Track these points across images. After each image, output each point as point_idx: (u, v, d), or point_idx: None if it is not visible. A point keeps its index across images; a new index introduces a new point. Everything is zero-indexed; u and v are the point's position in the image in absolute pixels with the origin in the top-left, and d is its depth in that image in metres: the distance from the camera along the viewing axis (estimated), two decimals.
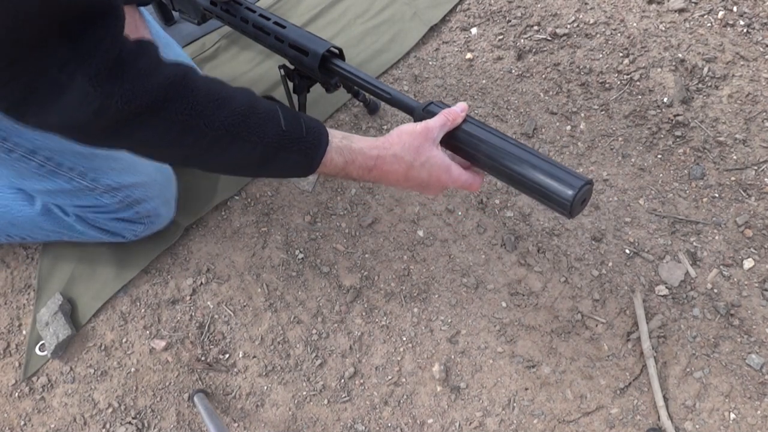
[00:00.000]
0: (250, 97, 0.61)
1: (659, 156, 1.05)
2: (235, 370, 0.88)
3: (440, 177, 0.67)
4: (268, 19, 0.85)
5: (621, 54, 1.18)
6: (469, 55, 1.21)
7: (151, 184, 0.87)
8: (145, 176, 0.86)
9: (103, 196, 0.83)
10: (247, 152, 0.60)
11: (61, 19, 0.45)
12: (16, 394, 0.87)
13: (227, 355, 0.89)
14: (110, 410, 0.85)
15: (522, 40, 1.22)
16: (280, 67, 0.91)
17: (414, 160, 0.65)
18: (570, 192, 0.59)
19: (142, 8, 0.97)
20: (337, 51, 0.81)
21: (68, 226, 0.89)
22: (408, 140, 0.66)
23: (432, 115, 0.69)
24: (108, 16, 0.48)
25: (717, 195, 1.00)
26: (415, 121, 0.71)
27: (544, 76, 1.17)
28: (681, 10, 1.22)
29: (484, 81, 1.18)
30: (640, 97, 1.12)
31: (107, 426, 0.84)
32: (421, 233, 0.99)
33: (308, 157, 0.63)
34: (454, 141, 0.68)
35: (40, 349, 0.89)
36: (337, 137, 0.66)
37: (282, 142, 0.61)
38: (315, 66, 0.81)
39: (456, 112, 0.67)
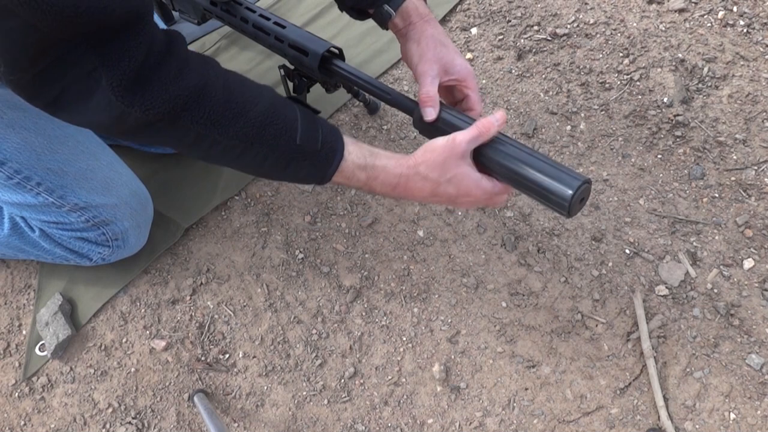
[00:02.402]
0: (270, 106, 0.60)
1: (659, 156, 1.05)
2: (235, 370, 0.88)
3: (470, 191, 0.65)
4: (268, 19, 0.85)
5: (621, 54, 1.18)
6: (469, 55, 1.21)
7: (121, 206, 0.85)
8: (117, 198, 0.84)
9: (70, 214, 0.81)
10: (259, 161, 0.62)
11: (91, 29, 0.47)
12: (16, 394, 0.87)
13: (227, 355, 0.89)
14: (110, 410, 0.85)
15: (522, 40, 1.22)
16: (280, 67, 0.91)
17: (440, 176, 0.63)
18: (569, 191, 0.59)
19: None
20: (337, 51, 0.81)
21: (33, 242, 0.87)
22: (432, 158, 0.63)
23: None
24: (136, 25, 0.50)
25: (717, 195, 1.00)
26: (414, 122, 0.71)
27: (544, 76, 1.17)
28: (681, 10, 1.22)
29: (484, 81, 1.18)
30: (640, 97, 1.12)
31: (107, 426, 0.84)
32: (421, 233, 0.99)
33: (320, 171, 0.64)
34: None
35: (40, 349, 0.89)
36: (355, 153, 0.65)
37: (294, 155, 0.62)
38: (315, 66, 0.81)
39: (490, 122, 0.62)
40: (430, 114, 0.68)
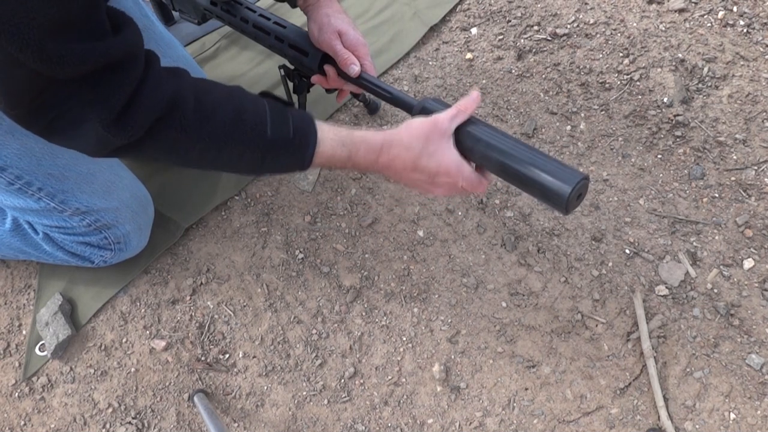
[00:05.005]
0: (237, 105, 0.62)
1: (659, 156, 1.05)
2: (235, 370, 0.88)
3: (449, 170, 0.65)
4: (269, 19, 0.86)
5: (621, 54, 1.18)
6: (469, 55, 1.21)
7: (123, 209, 0.85)
8: (118, 202, 0.84)
9: (72, 218, 0.82)
10: (235, 159, 0.64)
11: (91, 70, 0.50)
12: (16, 394, 0.87)
13: (227, 355, 0.89)
14: (110, 410, 0.85)
15: (522, 40, 1.22)
16: (280, 67, 0.92)
17: (423, 148, 0.64)
18: (566, 188, 0.59)
19: (145, 7, 0.97)
20: None
21: (36, 245, 0.87)
22: (416, 129, 0.65)
23: (427, 112, 0.69)
24: (129, 64, 0.53)
25: (717, 195, 1.00)
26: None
27: (544, 76, 1.17)
28: (681, 10, 1.22)
29: (484, 81, 1.18)
30: (640, 97, 1.12)
31: (107, 426, 0.84)
32: (421, 233, 0.99)
33: (297, 158, 0.65)
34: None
35: (40, 349, 0.89)
36: (331, 132, 0.66)
37: (267, 148, 0.64)
38: (315, 66, 0.81)
39: (468, 102, 0.65)
40: (355, 69, 0.75)
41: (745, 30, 1.18)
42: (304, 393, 0.86)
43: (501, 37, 1.24)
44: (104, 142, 0.56)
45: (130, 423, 0.84)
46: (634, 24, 1.22)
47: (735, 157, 1.04)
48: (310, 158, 0.66)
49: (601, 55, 1.18)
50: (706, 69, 1.13)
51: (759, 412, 0.82)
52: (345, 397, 0.86)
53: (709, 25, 1.20)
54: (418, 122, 0.65)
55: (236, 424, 0.84)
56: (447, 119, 0.64)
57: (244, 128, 0.62)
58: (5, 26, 0.43)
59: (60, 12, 0.46)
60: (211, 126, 0.60)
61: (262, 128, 0.63)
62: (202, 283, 0.95)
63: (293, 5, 0.85)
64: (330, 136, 0.66)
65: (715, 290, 0.91)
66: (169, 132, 0.59)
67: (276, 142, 0.63)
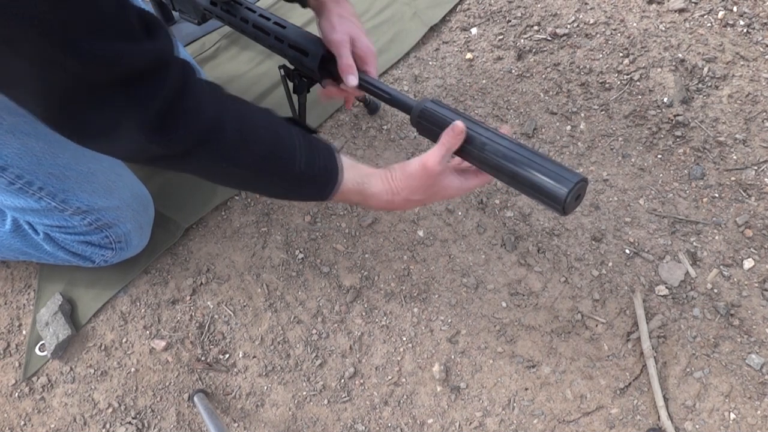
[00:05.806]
0: (273, 137, 0.65)
1: (659, 156, 1.05)
2: (235, 370, 0.88)
3: (454, 195, 0.72)
4: (269, 19, 0.86)
5: (621, 54, 1.18)
6: (469, 55, 1.21)
7: (124, 208, 0.85)
8: (119, 201, 0.84)
9: (73, 217, 0.82)
10: (263, 187, 0.70)
11: (124, 74, 0.51)
12: (16, 394, 0.87)
13: (227, 355, 0.89)
14: (110, 410, 0.85)
15: (522, 40, 1.22)
16: (280, 67, 0.91)
17: (424, 195, 0.70)
18: (564, 190, 0.59)
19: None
20: None
21: (36, 245, 0.87)
22: (414, 184, 0.69)
23: (429, 115, 0.68)
24: (162, 69, 0.54)
25: (717, 195, 1.00)
26: (411, 121, 0.71)
27: (544, 76, 1.17)
28: (681, 10, 1.22)
29: (484, 81, 1.18)
30: (640, 97, 1.12)
31: (107, 426, 0.84)
32: (421, 233, 0.99)
33: (319, 193, 0.70)
34: None
35: (40, 349, 0.89)
36: (350, 179, 0.70)
37: (294, 182, 0.68)
38: (315, 66, 0.81)
39: (453, 138, 0.66)
40: (353, 81, 0.77)
41: (745, 30, 1.18)
42: (304, 393, 0.86)
43: (501, 37, 1.24)
44: (141, 149, 0.56)
45: (130, 423, 0.84)
46: (634, 24, 1.22)
47: (735, 157, 1.04)
48: (328, 195, 0.70)
49: (601, 55, 1.18)
50: (706, 69, 1.13)
51: (759, 412, 0.82)
52: (345, 397, 0.86)
53: (709, 25, 1.20)
54: (413, 174, 0.69)
55: (236, 424, 0.84)
56: (437, 163, 0.66)
57: (277, 163, 0.65)
58: (42, 26, 0.44)
59: (92, 12, 0.46)
60: (248, 158, 0.63)
61: (293, 164, 0.66)
62: (202, 283, 0.95)
63: (304, 5, 0.86)
64: (348, 183, 0.70)
65: (715, 290, 0.91)
66: (206, 156, 0.60)
67: (304, 177, 0.67)
